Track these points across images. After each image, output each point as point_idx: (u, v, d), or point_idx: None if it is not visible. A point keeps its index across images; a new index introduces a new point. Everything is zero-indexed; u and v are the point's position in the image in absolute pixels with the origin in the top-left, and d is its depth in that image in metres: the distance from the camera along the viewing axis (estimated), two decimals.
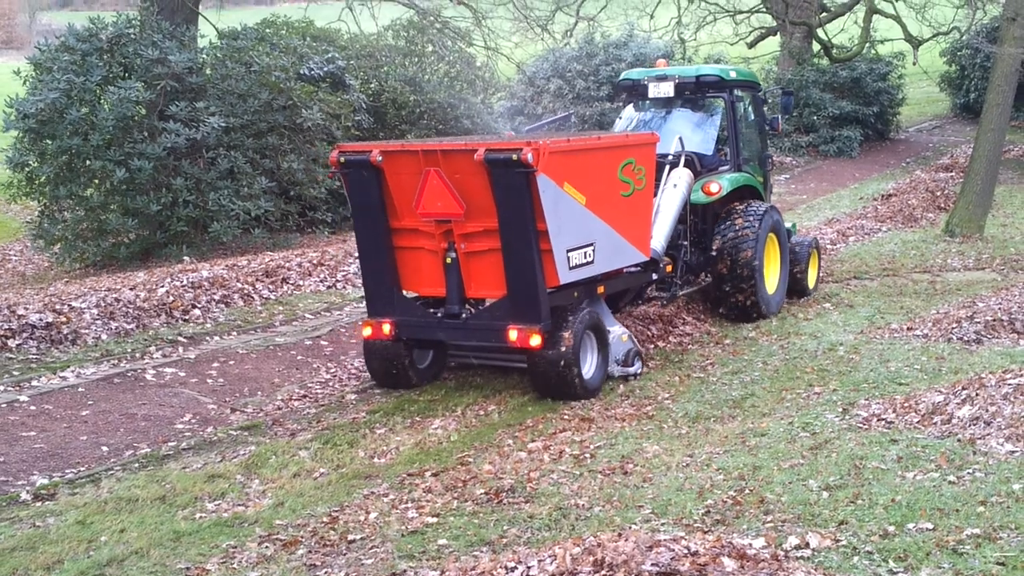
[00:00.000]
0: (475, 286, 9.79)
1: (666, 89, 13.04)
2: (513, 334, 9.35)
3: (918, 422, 7.91)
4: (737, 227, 12.52)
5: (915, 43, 31.35)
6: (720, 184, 12.55)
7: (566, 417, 9.18)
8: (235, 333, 12.17)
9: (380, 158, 9.46)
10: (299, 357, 11.45)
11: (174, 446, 8.70)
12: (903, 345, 11.06)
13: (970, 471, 6.68)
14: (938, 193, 22.63)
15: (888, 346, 11.07)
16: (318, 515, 7.06)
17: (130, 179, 15.76)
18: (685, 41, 30.54)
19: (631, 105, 13.80)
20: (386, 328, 9.93)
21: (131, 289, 12.46)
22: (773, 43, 32.03)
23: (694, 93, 13.20)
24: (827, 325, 12.50)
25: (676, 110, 13.43)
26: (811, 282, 14.24)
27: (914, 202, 21.69)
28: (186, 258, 15.70)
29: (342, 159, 9.66)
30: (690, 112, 13.45)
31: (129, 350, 11.15)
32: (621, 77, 13.92)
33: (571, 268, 9.48)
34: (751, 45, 31.36)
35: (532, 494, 7.18)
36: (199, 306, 12.64)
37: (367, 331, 10.05)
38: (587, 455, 8.00)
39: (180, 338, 11.71)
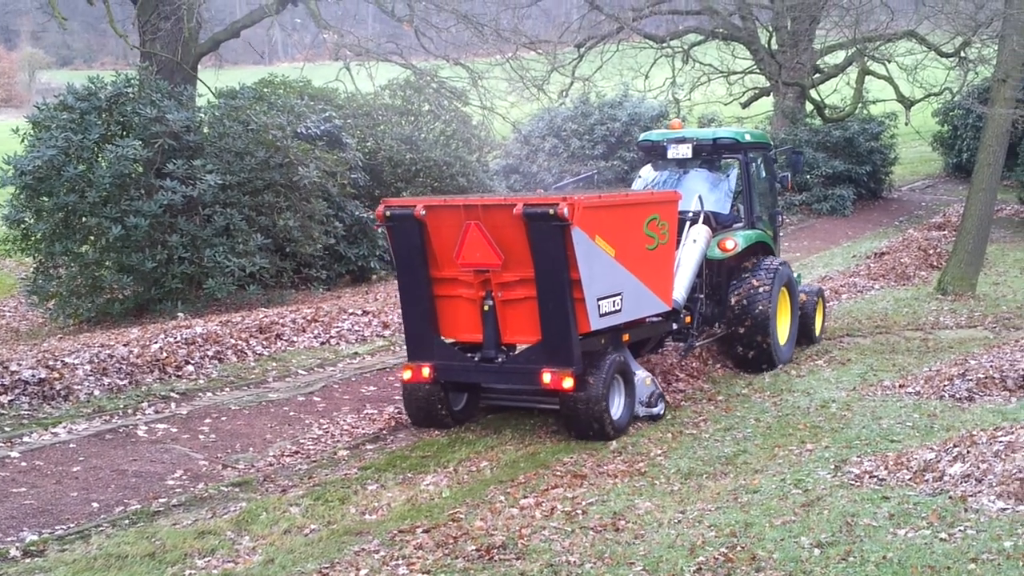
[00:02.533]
0: (510, 332, 10.37)
1: (684, 151, 13.74)
2: (547, 377, 9.89)
3: (910, 479, 7.92)
4: (752, 282, 13.14)
5: (907, 104, 31.64)
6: (736, 241, 13.18)
7: (558, 473, 9.16)
8: (228, 389, 12.16)
9: (424, 212, 10.06)
10: (291, 413, 11.43)
11: (164, 502, 8.66)
12: (895, 402, 11.07)
13: (961, 528, 6.68)
14: (931, 251, 22.75)
15: (880, 403, 11.09)
16: (308, 572, 7.02)
17: (126, 236, 15.82)
18: (679, 101, 30.81)
19: (650, 164, 14.33)
20: (425, 371, 10.47)
21: (124, 345, 12.47)
22: (766, 103, 32.32)
23: (711, 154, 13.87)
24: (820, 382, 12.52)
25: (693, 170, 14.00)
26: (817, 329, 14.84)
27: (907, 260, 21.80)
28: (180, 314, 15.71)
29: (388, 213, 10.26)
30: (707, 172, 14.02)
31: (121, 406, 11.13)
32: (641, 138, 14.58)
33: (601, 315, 10.05)
34: (745, 105, 31.62)
35: (523, 551, 7.15)
36: (192, 362, 12.64)
37: (407, 374, 10.60)
38: (579, 512, 7.98)
39: (173, 394, 11.70)
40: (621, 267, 10.31)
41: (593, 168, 26.31)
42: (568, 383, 9.86)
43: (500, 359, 10.38)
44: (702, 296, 12.95)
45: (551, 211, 9.44)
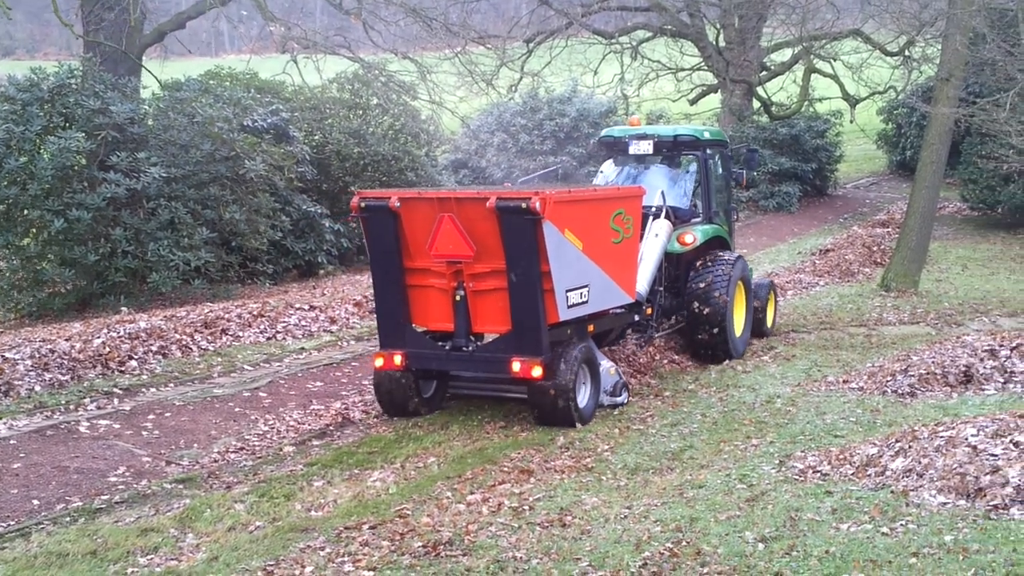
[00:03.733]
0: (481, 322, 10.67)
1: (646, 147, 14.06)
2: (516, 365, 10.23)
3: (853, 474, 8.00)
4: (710, 275, 13.47)
5: (852, 102, 32.02)
6: (695, 235, 13.54)
7: (506, 469, 9.16)
8: (172, 385, 12.03)
9: (398, 204, 10.36)
10: (237, 409, 11.34)
11: (107, 500, 8.55)
12: (839, 398, 11.19)
13: (903, 523, 6.76)
14: (874, 248, 23.03)
15: (824, 399, 11.20)
16: (253, 569, 6.96)
17: (68, 229, 15.59)
18: (628, 97, 30.93)
19: (611, 160, 14.66)
20: (397, 359, 10.75)
21: (66, 340, 12.29)
22: (714, 100, 32.55)
23: (671, 151, 14.22)
24: (765, 378, 12.62)
25: (654, 166, 14.35)
26: (769, 321, 15.22)
27: (851, 257, 22.04)
28: (124, 309, 15.51)
29: (362, 204, 10.55)
30: (667, 168, 14.36)
31: (63, 402, 10.97)
32: (603, 134, 14.86)
33: (569, 307, 10.40)
34: (692, 102, 31.83)
35: (470, 547, 7.14)
36: (136, 357, 12.49)
37: (379, 362, 10.86)
38: (526, 507, 7.98)
39: (116, 390, 11.55)
40: (588, 260, 10.66)
41: (541, 163, 26.33)
42: (537, 371, 10.18)
43: (470, 348, 10.65)
44: (661, 288, 13.27)
45: (524, 205, 9.75)
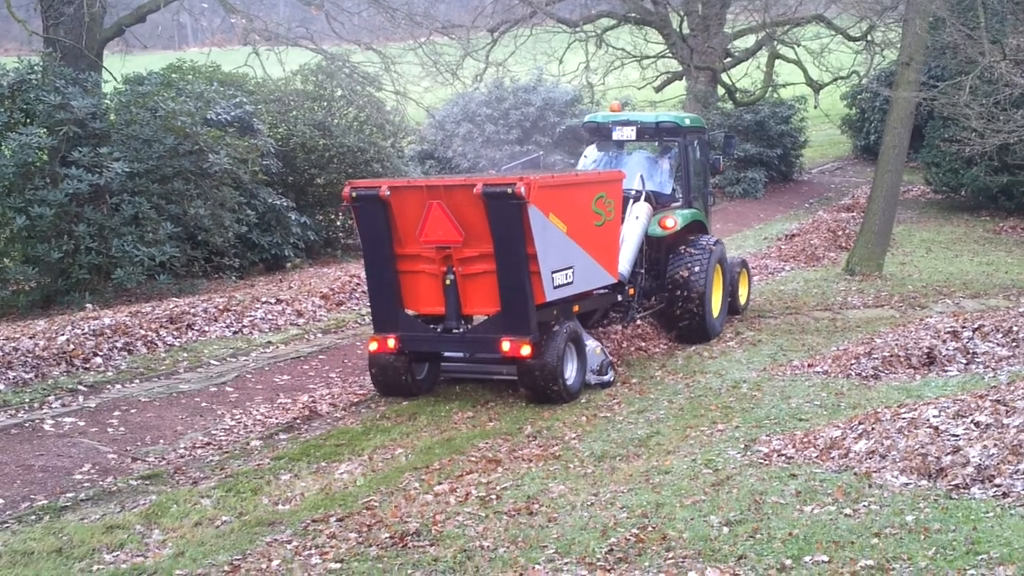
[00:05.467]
0: (470, 304, 11.12)
1: (628, 133, 14.53)
2: (506, 345, 10.68)
3: (816, 457, 8.07)
4: (690, 258, 13.89)
5: (816, 87, 32.18)
6: (675, 219, 13.99)
7: (473, 459, 9.18)
8: (137, 381, 11.97)
9: (388, 192, 10.74)
10: (203, 404, 11.29)
11: (72, 497, 8.50)
12: (804, 382, 11.27)
13: (865, 504, 6.83)
14: (839, 233, 23.18)
15: (790, 383, 11.28)
16: (219, 564, 6.95)
17: (31, 226, 15.44)
18: (593, 86, 30.92)
19: (594, 145, 15.07)
20: (391, 343, 11.16)
21: (30, 338, 12.20)
22: (679, 87, 32.60)
23: (653, 137, 14.70)
24: (731, 363, 12.69)
25: (636, 151, 14.95)
26: (742, 299, 15.67)
27: (816, 242, 22.18)
28: (88, 305, 15.38)
29: (353, 194, 10.93)
30: (648, 153, 14.96)
31: (27, 400, 10.90)
32: (586, 119, 15.34)
33: (555, 287, 10.84)
34: (658, 89, 31.87)
35: (437, 537, 7.15)
36: (100, 354, 12.42)
37: (373, 345, 11.30)
38: (493, 496, 8.00)
39: (80, 387, 11.48)
40: (572, 242, 11.11)
41: (508, 153, 26.32)
42: (526, 350, 10.62)
43: (461, 330, 11.14)
44: (642, 271, 13.73)
45: (509, 190, 10.19)
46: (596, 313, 13.36)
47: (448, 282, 10.95)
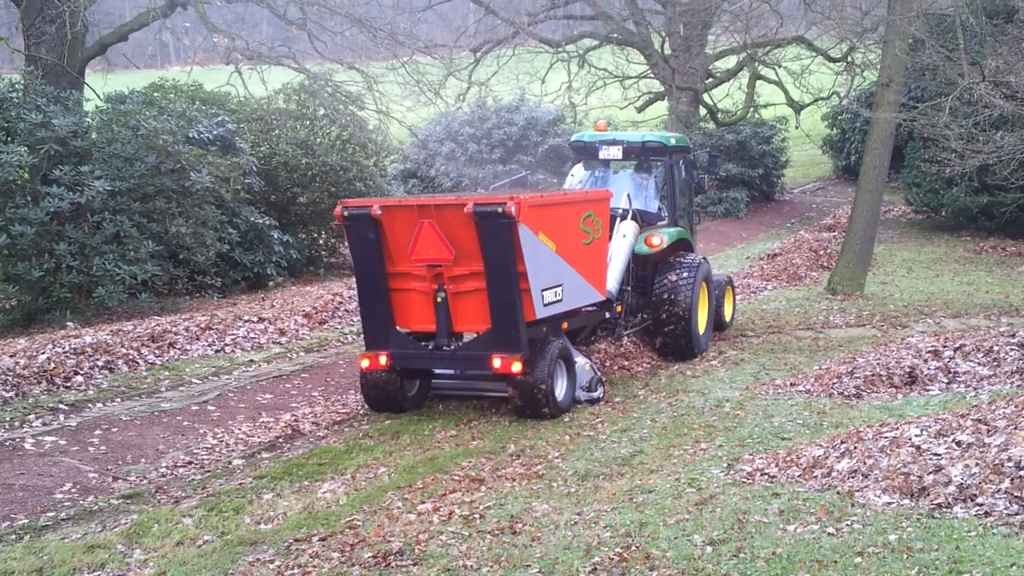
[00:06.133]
0: (461, 322, 11.25)
1: (615, 152, 14.71)
2: (497, 362, 10.77)
3: (799, 476, 8.08)
4: (676, 276, 14.05)
5: (797, 108, 32.37)
6: (662, 238, 14.20)
7: (456, 478, 9.15)
8: (119, 399, 11.91)
9: (380, 211, 10.81)
10: (185, 423, 11.24)
11: (53, 516, 8.45)
12: (787, 401, 11.30)
13: (848, 523, 6.84)
14: (821, 252, 23.29)
15: (772, 402, 11.30)
16: None
17: (11, 244, 15.37)
18: (576, 105, 31.03)
19: (580, 164, 15.21)
20: (382, 360, 11.21)
21: (11, 356, 12.13)
22: (661, 107, 32.72)
23: (639, 156, 14.99)
24: (714, 382, 12.72)
25: (622, 170, 15.04)
26: (728, 316, 15.85)
27: (798, 261, 22.27)
28: (70, 324, 15.31)
29: (345, 212, 11.00)
30: (634, 172, 15.04)
31: (7, 419, 10.83)
32: (573, 139, 15.60)
33: (545, 305, 11.01)
34: (640, 109, 31.99)
35: (421, 556, 7.13)
36: (82, 372, 12.35)
37: (365, 363, 11.33)
38: (477, 516, 7.98)
39: (61, 405, 11.42)
40: (562, 260, 11.29)
41: (491, 172, 26.38)
42: (517, 367, 10.72)
43: (452, 347, 11.23)
44: (629, 288, 13.91)
45: (500, 210, 10.29)
46: (584, 330, 13.47)
47: (439, 300, 11.08)
